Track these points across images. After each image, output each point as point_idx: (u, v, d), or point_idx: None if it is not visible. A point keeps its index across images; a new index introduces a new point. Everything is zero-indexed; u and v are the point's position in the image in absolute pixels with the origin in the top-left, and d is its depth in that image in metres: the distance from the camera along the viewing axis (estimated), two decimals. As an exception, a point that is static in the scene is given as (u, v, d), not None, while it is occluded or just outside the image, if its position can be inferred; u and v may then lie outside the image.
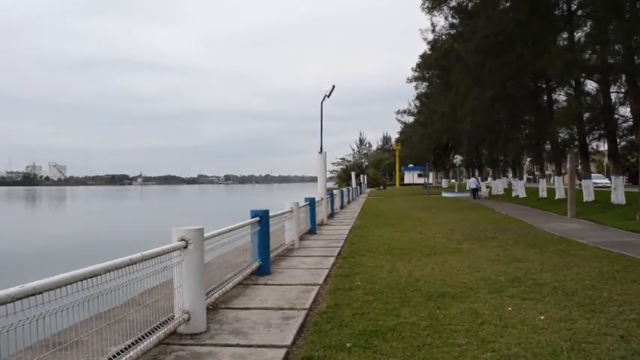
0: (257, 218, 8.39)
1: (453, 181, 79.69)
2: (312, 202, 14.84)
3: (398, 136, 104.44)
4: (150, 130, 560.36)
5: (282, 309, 6.27)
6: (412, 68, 59.99)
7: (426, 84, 58.98)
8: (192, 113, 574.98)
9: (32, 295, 2.93)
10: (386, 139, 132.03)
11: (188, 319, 5.22)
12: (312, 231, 14.63)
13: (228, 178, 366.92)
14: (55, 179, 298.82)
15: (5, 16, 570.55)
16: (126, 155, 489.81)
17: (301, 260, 10.11)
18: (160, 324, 4.79)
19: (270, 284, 7.79)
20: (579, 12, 25.44)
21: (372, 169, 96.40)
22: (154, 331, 4.58)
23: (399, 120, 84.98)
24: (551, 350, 4.62)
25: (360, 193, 51.75)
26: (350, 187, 39.70)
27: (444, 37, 38.64)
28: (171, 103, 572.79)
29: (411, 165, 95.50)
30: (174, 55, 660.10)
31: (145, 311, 4.68)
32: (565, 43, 25.35)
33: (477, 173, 51.01)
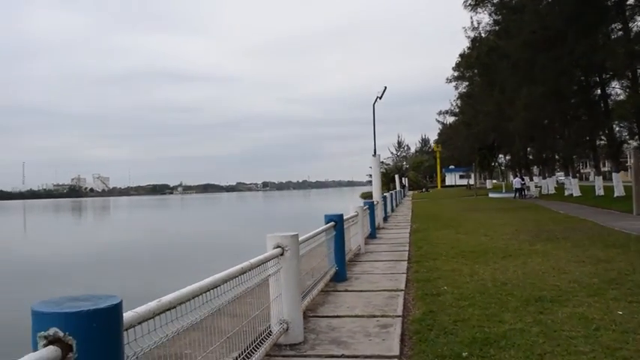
0: (332, 223, 8.16)
1: (495, 181, 78.24)
2: (371, 206, 14.54)
3: (437, 137, 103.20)
4: (188, 139, 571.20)
5: (374, 316, 6.01)
6: (452, 68, 59.04)
7: (466, 83, 57.97)
8: (229, 122, 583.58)
9: (168, 309, 2.74)
10: (424, 141, 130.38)
11: (286, 330, 5.00)
12: (372, 235, 14.33)
13: (265, 185, 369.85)
14: (99, 190, 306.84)
15: (52, 36, 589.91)
16: (166, 165, 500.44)
17: (372, 265, 9.83)
18: (265, 336, 4.58)
19: (350, 290, 7.54)
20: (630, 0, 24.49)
21: (412, 171, 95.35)
22: (261, 344, 4.37)
23: (438, 121, 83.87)
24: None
25: (404, 196, 51.15)
26: (395, 191, 39.16)
27: (487, 34, 37.88)
28: (208, 113, 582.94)
29: (452, 166, 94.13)
30: (211, 66, 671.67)
31: (246, 322, 4.48)
32: (620, 34, 24.41)
33: (522, 172, 49.80)
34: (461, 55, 57.10)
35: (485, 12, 33.71)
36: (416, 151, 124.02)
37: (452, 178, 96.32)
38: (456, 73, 59.99)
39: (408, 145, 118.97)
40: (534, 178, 48.74)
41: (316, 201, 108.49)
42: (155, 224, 50.79)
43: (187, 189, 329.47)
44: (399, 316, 5.95)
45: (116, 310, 1.94)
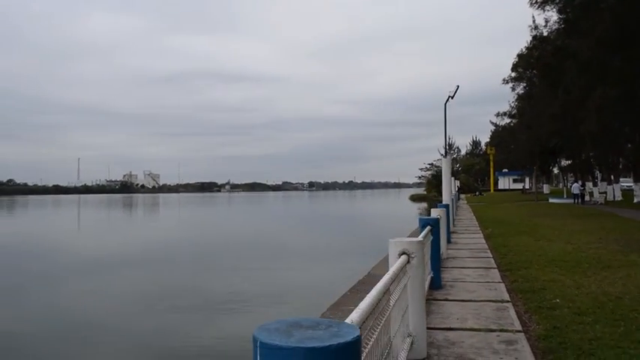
0: (429, 227, 7.73)
1: (548, 185, 75.70)
2: (447, 209, 13.98)
3: (488, 139, 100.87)
4: (236, 138, 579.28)
5: (491, 330, 5.56)
6: (511, 68, 57.35)
7: (524, 84, 56.25)
8: (277, 122, 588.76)
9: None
10: (475, 143, 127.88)
11: (411, 344, 4.62)
12: (448, 239, 13.77)
13: (312, 185, 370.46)
14: (150, 187, 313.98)
15: (106, 37, 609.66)
16: (214, 163, 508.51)
17: (461, 272, 9.34)
18: (389, 352, 4.21)
19: (451, 300, 7.10)
20: None
21: (463, 174, 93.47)
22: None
23: (493, 123, 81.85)
24: None
25: (458, 199, 50.02)
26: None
27: (551, 33, 36.50)
28: (257, 113, 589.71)
29: (505, 170, 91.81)
30: (260, 67, 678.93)
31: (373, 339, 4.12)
32: None
33: (583, 177, 47.92)
34: (519, 55, 55.47)
35: (554, 9, 32.40)
36: (466, 154, 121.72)
37: (505, 182, 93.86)
38: (513, 74, 58.34)
39: (458, 147, 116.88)
40: (598, 183, 46.81)
41: (366, 202, 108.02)
42: (225, 222, 51.16)
43: (235, 187, 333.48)
44: (519, 331, 5.50)
45: (359, 342, 1.59)
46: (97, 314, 12.53)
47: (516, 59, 56.23)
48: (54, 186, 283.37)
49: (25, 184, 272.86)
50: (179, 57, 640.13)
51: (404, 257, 4.61)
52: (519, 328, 5.63)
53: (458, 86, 19.78)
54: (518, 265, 9.80)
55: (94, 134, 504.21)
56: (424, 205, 71.58)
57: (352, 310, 6.11)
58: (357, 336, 1.55)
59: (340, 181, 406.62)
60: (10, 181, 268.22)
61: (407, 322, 4.61)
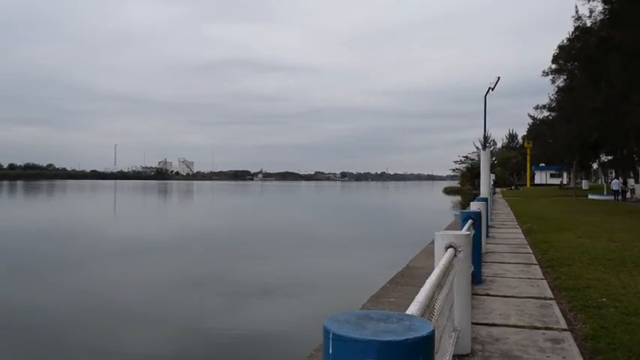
0: (471, 221, 7.61)
1: (586, 181, 73.78)
2: (487, 202, 13.76)
3: (525, 133, 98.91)
4: (270, 127, 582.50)
5: (536, 328, 5.45)
6: (551, 59, 55.92)
7: (564, 76, 54.84)
8: (311, 111, 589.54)
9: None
10: (512, 137, 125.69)
11: (456, 339, 4.56)
12: (486, 234, 13.57)
13: (344, 175, 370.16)
14: (184, 174, 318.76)
15: (144, 26, 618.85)
16: (247, 152, 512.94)
17: (501, 267, 9.18)
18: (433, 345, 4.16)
19: (492, 295, 6.99)
20: None
21: (499, 167, 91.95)
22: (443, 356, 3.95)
23: (531, 116, 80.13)
24: None
25: (494, 193, 49.28)
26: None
27: (594, 24, 35.44)
28: (291, 102, 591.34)
29: (542, 164, 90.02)
30: (295, 57, 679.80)
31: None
32: None
33: (624, 173, 46.57)
34: (560, 47, 54.07)
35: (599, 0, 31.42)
36: (502, 147, 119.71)
37: (542, 177, 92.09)
38: (553, 66, 56.91)
39: (494, 140, 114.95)
40: (640, 180, 45.47)
41: (399, 194, 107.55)
42: (259, 210, 51.48)
43: (267, 176, 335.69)
44: (565, 330, 5.37)
45: (433, 337, 1.55)
46: (134, 299, 12.79)
47: (557, 51, 54.83)
48: (91, 171, 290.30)
49: (64, 169, 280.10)
50: (215, 46, 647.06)
51: (451, 250, 4.54)
52: (565, 326, 5.50)
53: (499, 77, 19.30)
54: (560, 262, 9.58)
55: (130, 121, 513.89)
56: (458, 198, 70.79)
57: (393, 302, 6.11)
58: (432, 330, 1.51)
59: (373, 172, 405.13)
60: (49, 165, 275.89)
61: (453, 316, 4.55)
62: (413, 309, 2.44)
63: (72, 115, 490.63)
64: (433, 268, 8.19)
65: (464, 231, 5.97)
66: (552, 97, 59.16)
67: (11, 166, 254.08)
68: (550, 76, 56.49)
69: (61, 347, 9.25)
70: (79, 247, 21.72)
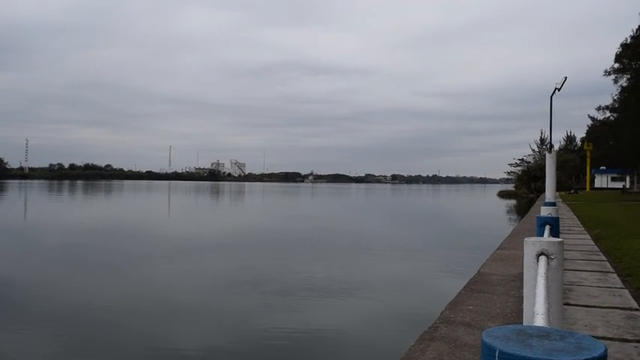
0: (549, 227, 7.36)
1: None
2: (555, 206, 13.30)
3: (584, 135, 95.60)
4: (321, 130, 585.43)
5: (626, 340, 5.19)
6: (614, 59, 53.80)
7: (628, 76, 52.67)
8: (362, 114, 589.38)
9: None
10: (570, 139, 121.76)
11: (547, 349, 4.38)
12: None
13: (395, 178, 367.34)
14: (236, 175, 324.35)
15: (202, 31, 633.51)
16: (297, 154, 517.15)
17: (575, 275, 8.84)
18: None
19: (573, 304, 6.72)
20: None
21: (557, 171, 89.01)
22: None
23: (591, 117, 77.35)
24: None
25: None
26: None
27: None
28: (342, 105, 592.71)
29: (602, 167, 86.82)
30: (347, 59, 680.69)
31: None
32: None
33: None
34: (623, 45, 52.00)
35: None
36: (560, 149, 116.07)
37: (602, 180, 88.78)
38: (616, 65, 54.73)
39: (551, 142, 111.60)
40: None
41: (451, 197, 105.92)
42: (313, 211, 51.93)
43: (317, 178, 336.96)
44: (661, 344, 5.09)
45: (606, 357, 1.45)
46: (188, 294, 13.02)
47: (620, 49, 52.78)
48: (147, 172, 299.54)
49: (121, 170, 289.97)
50: (268, 50, 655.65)
51: (543, 258, 4.37)
52: (661, 340, 5.22)
53: (565, 77, 18.64)
54: (639, 270, 9.16)
55: (185, 123, 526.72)
56: (513, 202, 69.10)
57: (472, 310, 5.92)
58: (605, 350, 1.42)
59: (424, 174, 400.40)
60: (107, 166, 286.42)
61: (543, 327, 4.38)
62: (539, 320, 2.33)
63: (130, 117, 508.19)
64: (506, 275, 8.15)
65: (547, 237, 5.75)
66: (615, 98, 57.00)
67: (72, 166, 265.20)
68: (612, 76, 54.44)
69: (118, 340, 9.53)
70: (140, 244, 22.38)
